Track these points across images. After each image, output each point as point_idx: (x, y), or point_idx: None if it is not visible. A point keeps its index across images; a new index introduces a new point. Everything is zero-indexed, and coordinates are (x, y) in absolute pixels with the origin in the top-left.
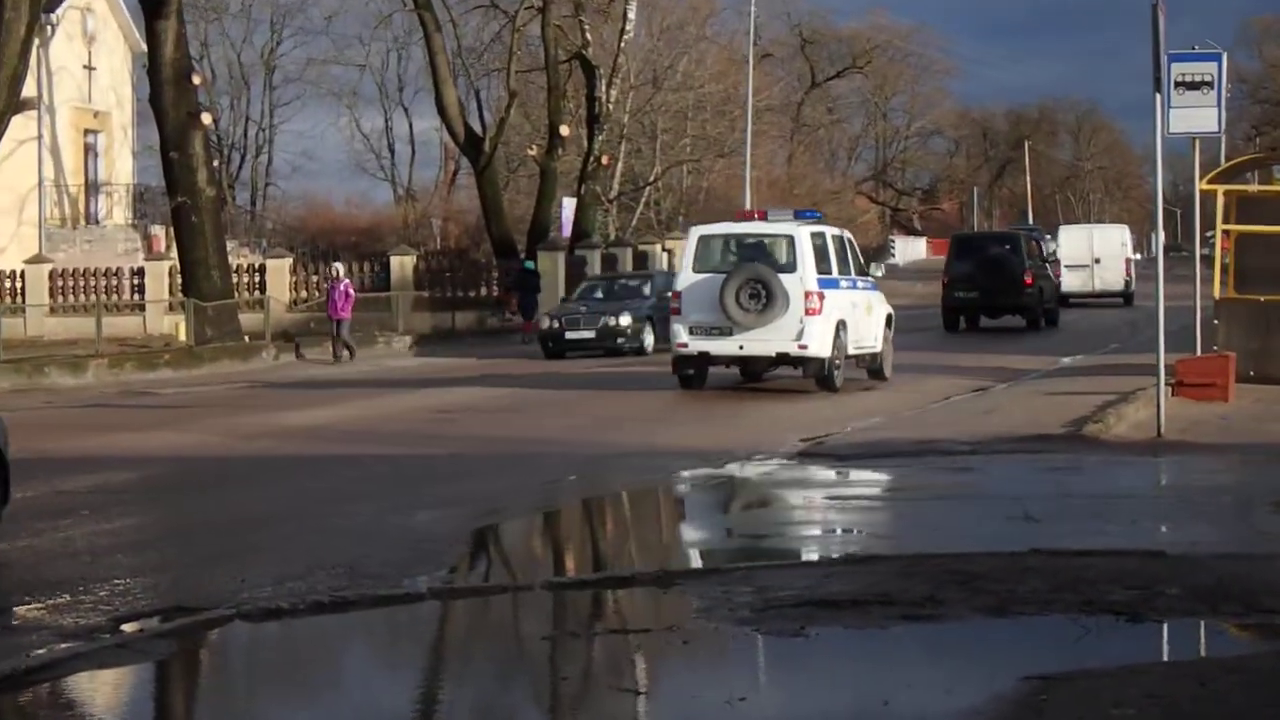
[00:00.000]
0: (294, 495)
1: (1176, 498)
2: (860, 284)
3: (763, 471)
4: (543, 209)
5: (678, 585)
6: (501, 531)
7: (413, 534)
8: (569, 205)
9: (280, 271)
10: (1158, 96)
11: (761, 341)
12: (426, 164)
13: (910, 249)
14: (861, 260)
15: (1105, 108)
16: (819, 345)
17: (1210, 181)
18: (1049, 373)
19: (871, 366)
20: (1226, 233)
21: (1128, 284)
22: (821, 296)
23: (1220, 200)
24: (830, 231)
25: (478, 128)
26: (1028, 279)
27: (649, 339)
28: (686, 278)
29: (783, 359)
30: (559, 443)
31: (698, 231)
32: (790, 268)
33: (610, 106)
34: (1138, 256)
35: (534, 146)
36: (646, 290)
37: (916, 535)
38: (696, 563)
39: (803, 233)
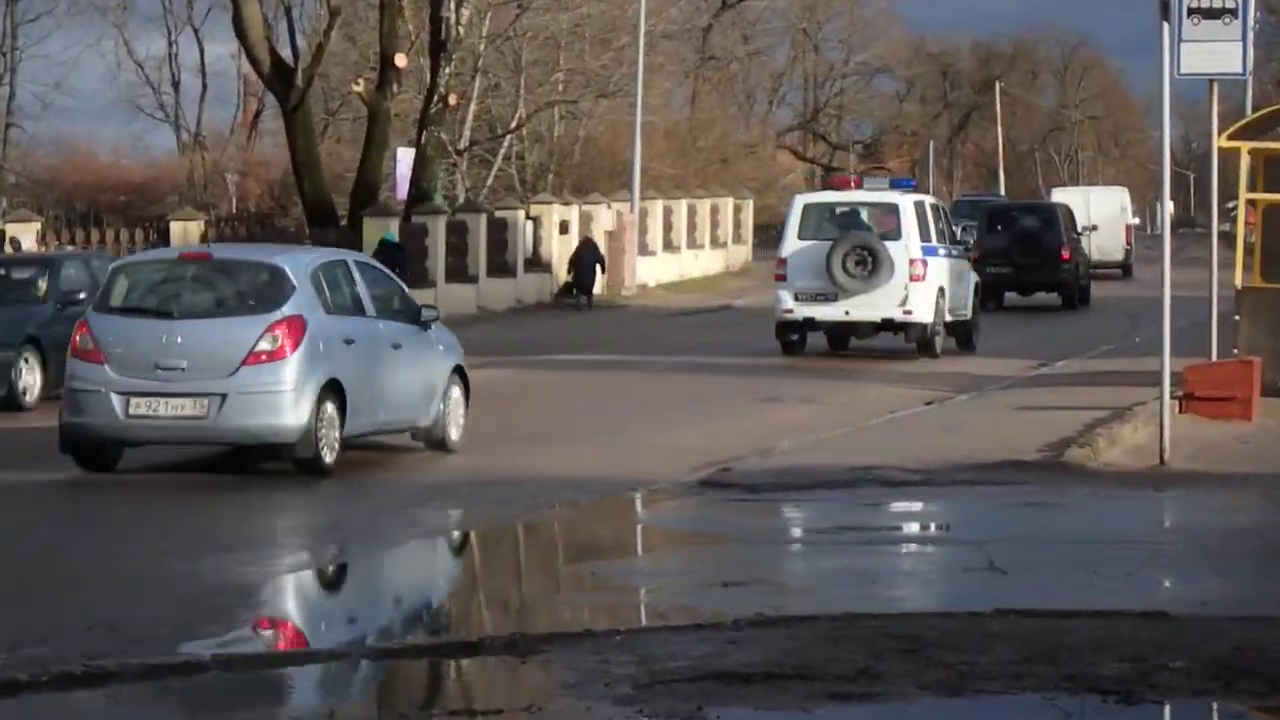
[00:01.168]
0: (38, 532)
1: (1183, 543)
2: (954, 251)
3: (652, 506)
4: (371, 162)
5: (540, 653)
6: (311, 581)
7: (195, 583)
8: (405, 157)
9: (24, 240)
10: (1166, 28)
11: (867, 307)
12: (221, 102)
13: None
14: (953, 228)
15: (1099, 42)
16: (923, 311)
17: (1232, 137)
18: (1025, 380)
19: (961, 333)
20: (1252, 203)
21: (1127, 254)
22: (925, 264)
23: (1245, 161)
24: (928, 200)
25: (288, 56)
26: (1064, 254)
27: (31, 381)
28: (791, 244)
29: (887, 324)
30: (390, 466)
31: (802, 200)
32: (895, 235)
33: (461, 30)
34: (1137, 222)
35: (360, 81)
36: (40, 287)
37: (847, 590)
38: (564, 624)
39: (906, 201)
